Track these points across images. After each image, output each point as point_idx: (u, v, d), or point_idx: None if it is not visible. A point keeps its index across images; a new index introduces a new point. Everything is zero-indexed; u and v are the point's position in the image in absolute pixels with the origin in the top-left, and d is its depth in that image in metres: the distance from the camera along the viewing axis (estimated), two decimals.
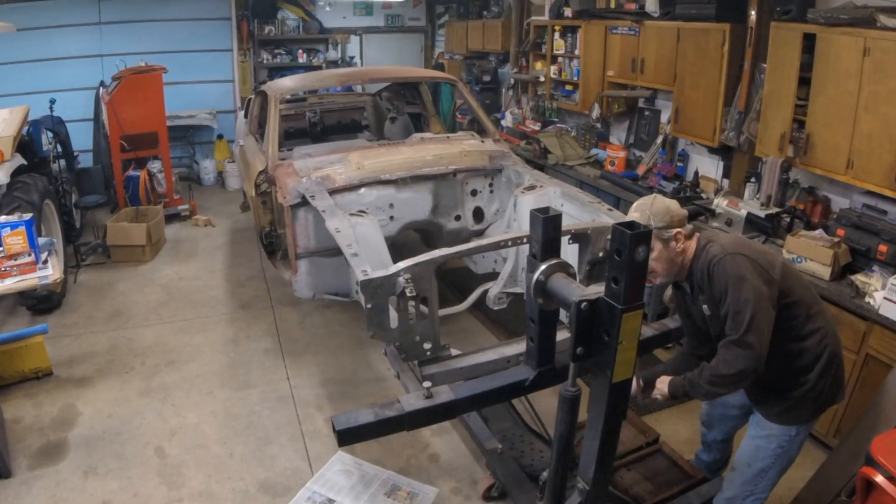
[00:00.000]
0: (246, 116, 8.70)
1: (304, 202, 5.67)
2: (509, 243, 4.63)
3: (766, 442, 3.67)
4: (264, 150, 6.58)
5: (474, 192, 6.38)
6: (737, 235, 3.83)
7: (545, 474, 3.75)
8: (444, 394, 3.57)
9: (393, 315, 4.20)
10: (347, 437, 3.44)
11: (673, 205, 3.42)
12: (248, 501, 4.76)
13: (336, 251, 5.65)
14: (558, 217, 3.26)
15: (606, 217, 5.04)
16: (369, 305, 4.15)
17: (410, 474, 5.03)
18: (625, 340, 2.83)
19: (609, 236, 4.31)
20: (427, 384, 3.63)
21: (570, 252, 4.93)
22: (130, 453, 5.24)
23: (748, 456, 3.76)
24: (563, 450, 3.48)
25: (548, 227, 3.22)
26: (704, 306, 3.50)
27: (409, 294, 4.07)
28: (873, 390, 4.37)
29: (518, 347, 4.18)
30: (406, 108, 9.35)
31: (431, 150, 6.35)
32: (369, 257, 4.59)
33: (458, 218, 6.33)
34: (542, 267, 3.20)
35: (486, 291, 5.34)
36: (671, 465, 4.74)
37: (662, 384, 3.64)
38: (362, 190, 5.85)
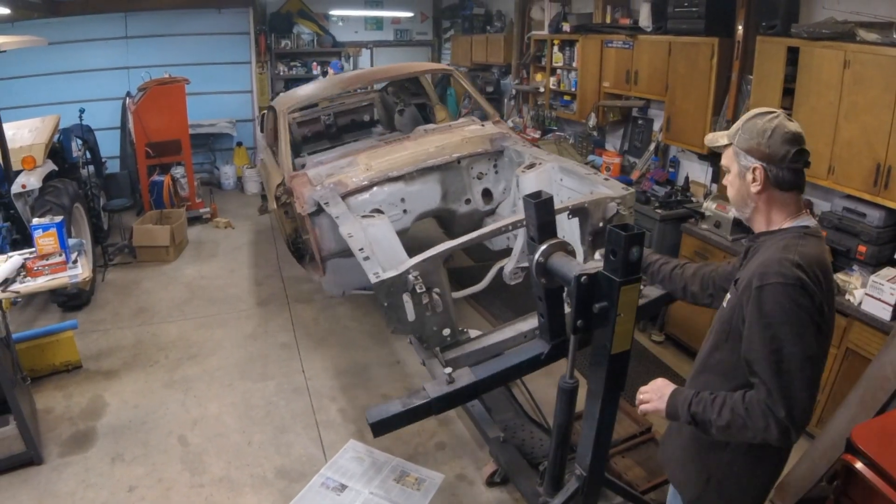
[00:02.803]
0: (262, 131, 8.70)
1: (321, 209, 5.67)
2: (510, 227, 4.61)
3: None
4: (280, 163, 6.58)
5: (480, 175, 6.33)
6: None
7: (545, 461, 3.76)
8: (466, 376, 3.56)
9: (409, 309, 4.20)
10: (380, 428, 3.44)
11: (776, 132, 2.50)
12: (265, 487, 4.78)
13: None
14: (550, 200, 3.24)
15: (603, 187, 4.98)
16: (385, 304, 4.17)
17: (418, 461, 5.04)
18: (623, 312, 2.83)
19: (608, 205, 4.31)
20: (448, 370, 3.59)
21: (573, 226, 4.94)
22: (155, 441, 5.26)
23: None
24: (561, 438, 3.49)
25: (541, 210, 3.21)
26: None
27: (419, 290, 4.08)
28: (853, 382, 4.37)
29: (533, 322, 4.16)
30: (411, 99, 9.33)
31: (434, 142, 6.31)
32: (384, 255, 4.57)
33: (468, 201, 6.28)
34: (541, 248, 3.21)
35: (501, 269, 5.30)
36: None
37: (660, 390, 2.81)
38: (374, 189, 5.83)
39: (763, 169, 2.52)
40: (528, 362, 3.61)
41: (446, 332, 4.28)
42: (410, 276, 4.09)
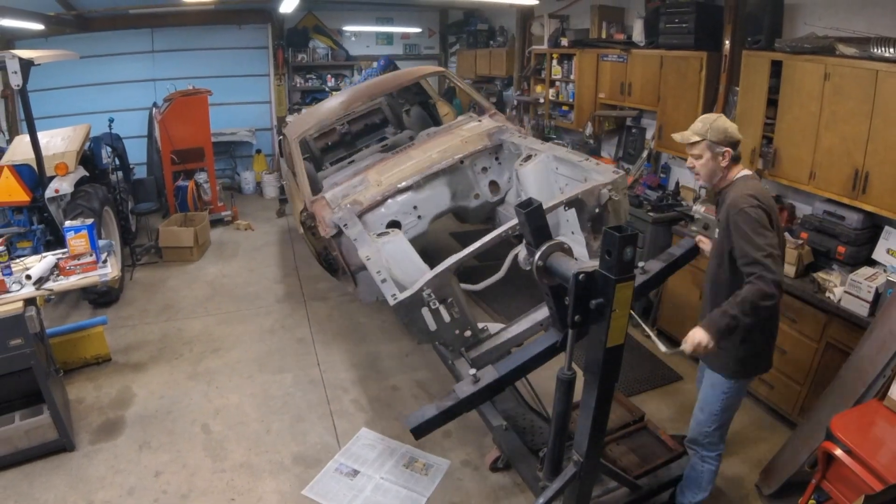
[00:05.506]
0: (282, 156, 8.69)
1: (342, 231, 5.67)
2: (511, 232, 4.60)
3: (712, 390, 3.83)
4: (300, 188, 6.54)
5: (484, 169, 6.25)
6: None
7: (545, 448, 3.78)
8: (490, 374, 3.66)
9: (429, 320, 4.22)
10: (419, 431, 3.62)
11: (731, 128, 3.57)
12: (283, 472, 4.80)
13: None
14: (539, 207, 3.26)
15: (596, 174, 4.92)
16: (406, 321, 4.23)
17: (426, 448, 5.05)
18: (618, 308, 2.85)
19: (601, 192, 4.33)
20: (472, 371, 3.71)
21: (571, 215, 4.94)
22: (179, 430, 5.29)
23: (700, 402, 3.96)
24: (560, 426, 3.51)
25: (532, 217, 3.24)
26: (717, 230, 3.74)
27: (432, 306, 4.11)
28: (833, 375, 4.38)
29: (546, 310, 4.19)
30: (415, 98, 9.30)
31: (436, 147, 6.25)
32: (402, 270, 4.67)
33: (476, 196, 6.20)
34: (539, 251, 3.23)
35: (516, 256, 5.23)
36: (655, 440, 4.74)
37: (695, 335, 3.36)
38: (388, 202, 5.80)
39: (729, 152, 3.58)
40: (545, 352, 3.65)
41: (467, 333, 4.30)
42: (424, 294, 4.11)
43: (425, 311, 4.18)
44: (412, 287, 4.21)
